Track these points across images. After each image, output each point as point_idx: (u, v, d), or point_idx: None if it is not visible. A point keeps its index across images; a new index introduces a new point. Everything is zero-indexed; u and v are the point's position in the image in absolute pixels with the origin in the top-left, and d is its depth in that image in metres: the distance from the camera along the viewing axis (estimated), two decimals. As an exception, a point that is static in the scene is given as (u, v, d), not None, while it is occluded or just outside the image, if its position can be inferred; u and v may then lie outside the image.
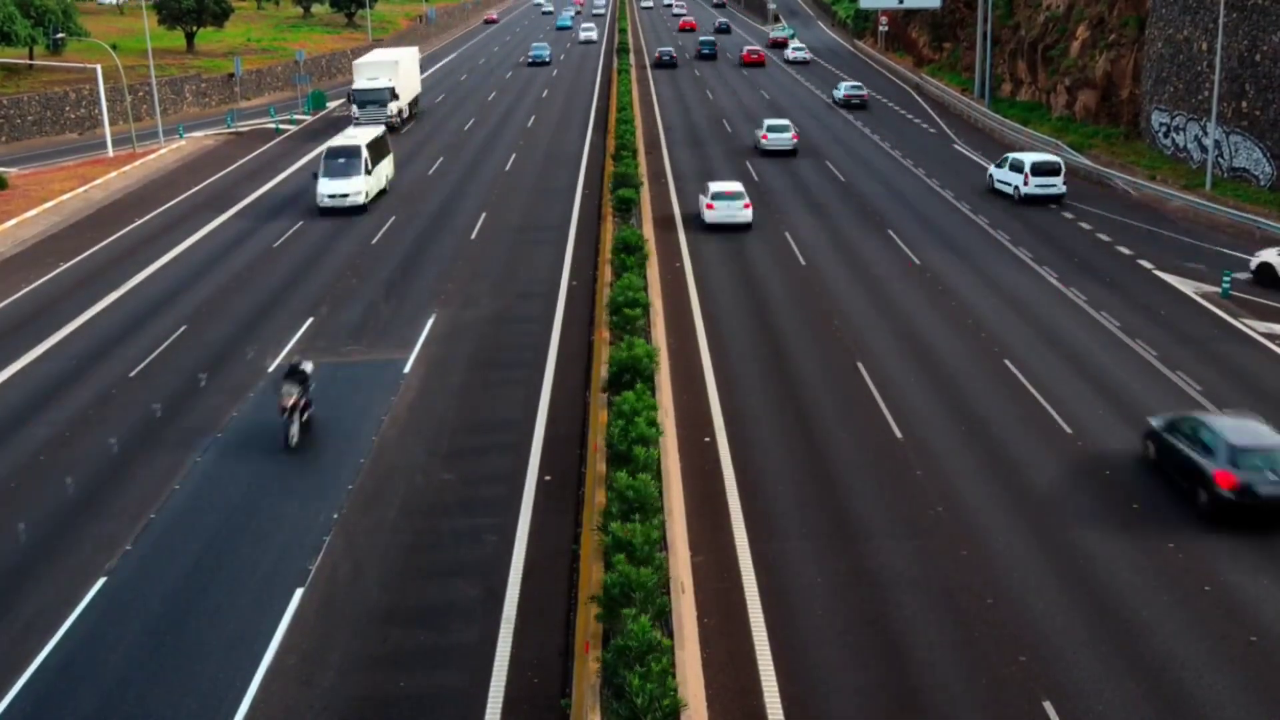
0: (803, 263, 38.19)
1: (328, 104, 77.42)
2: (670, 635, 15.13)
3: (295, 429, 24.46)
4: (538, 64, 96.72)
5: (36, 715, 16.39)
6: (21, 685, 16.99)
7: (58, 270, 39.77)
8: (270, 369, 29.26)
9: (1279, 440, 21.28)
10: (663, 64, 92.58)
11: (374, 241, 42.21)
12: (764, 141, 57.74)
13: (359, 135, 49.23)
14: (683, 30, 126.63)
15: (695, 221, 43.96)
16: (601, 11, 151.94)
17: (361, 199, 46.38)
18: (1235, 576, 19.33)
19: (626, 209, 38.96)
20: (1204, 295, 34.38)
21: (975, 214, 44.85)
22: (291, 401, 24.35)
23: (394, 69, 65.43)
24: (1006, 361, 28.98)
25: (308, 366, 25.65)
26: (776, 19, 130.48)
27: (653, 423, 19.97)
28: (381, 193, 49.30)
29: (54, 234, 45.38)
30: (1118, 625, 17.99)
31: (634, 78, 77.30)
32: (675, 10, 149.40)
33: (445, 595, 19.08)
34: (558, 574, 19.53)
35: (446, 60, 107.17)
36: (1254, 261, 35.99)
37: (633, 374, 22.44)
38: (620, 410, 20.40)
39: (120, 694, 16.73)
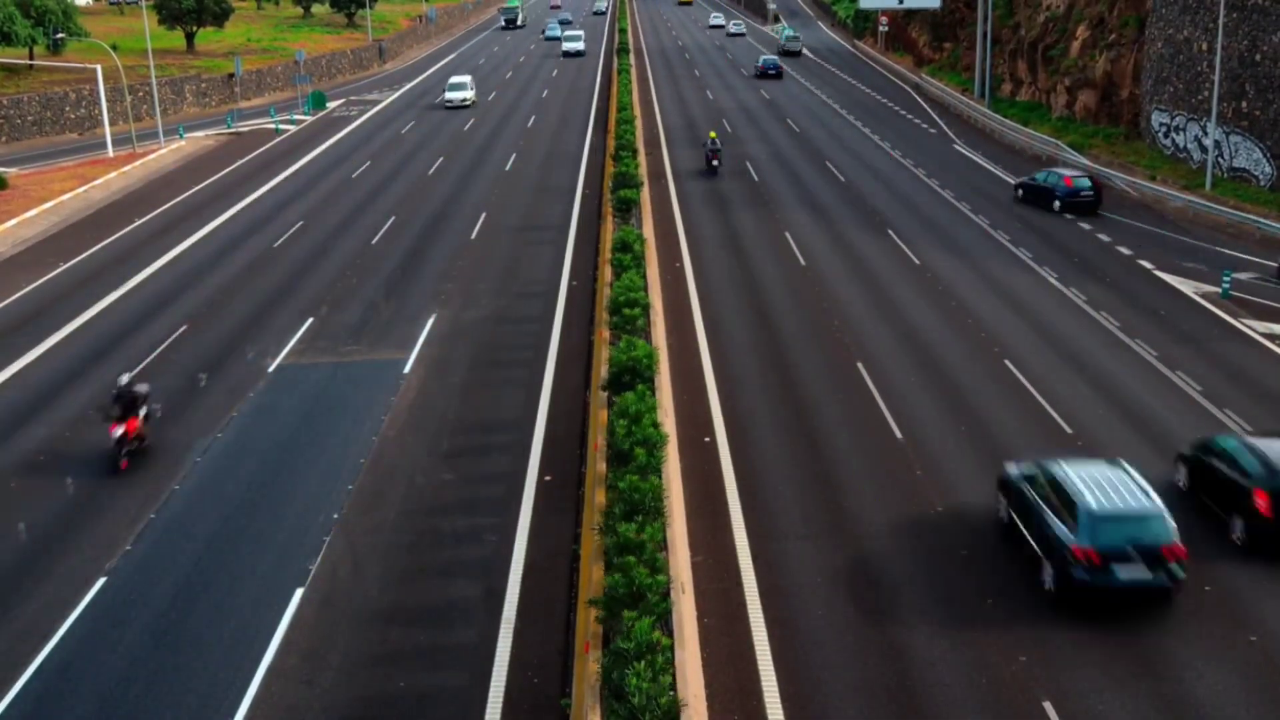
0: (803, 263, 38.19)
1: (328, 104, 77.42)
2: (670, 635, 15.13)
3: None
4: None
5: (37, 715, 16.40)
6: (21, 685, 17.00)
7: (58, 270, 39.78)
8: (270, 369, 29.31)
9: None
10: None
11: (374, 241, 42.23)
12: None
13: None
14: None
15: (698, 222, 44.00)
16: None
17: None
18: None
19: (626, 209, 38.95)
20: (1204, 295, 34.36)
21: (976, 214, 44.85)
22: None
23: None
24: (1006, 361, 28.98)
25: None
26: (776, 19, 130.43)
27: (656, 424, 19.96)
28: None
29: (54, 234, 45.41)
30: (1117, 625, 18.01)
31: (634, 77, 77.30)
32: None
33: (445, 595, 19.08)
34: (558, 574, 19.53)
35: (447, 60, 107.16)
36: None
37: (633, 375, 22.43)
38: (623, 411, 20.38)
39: (120, 694, 16.74)
